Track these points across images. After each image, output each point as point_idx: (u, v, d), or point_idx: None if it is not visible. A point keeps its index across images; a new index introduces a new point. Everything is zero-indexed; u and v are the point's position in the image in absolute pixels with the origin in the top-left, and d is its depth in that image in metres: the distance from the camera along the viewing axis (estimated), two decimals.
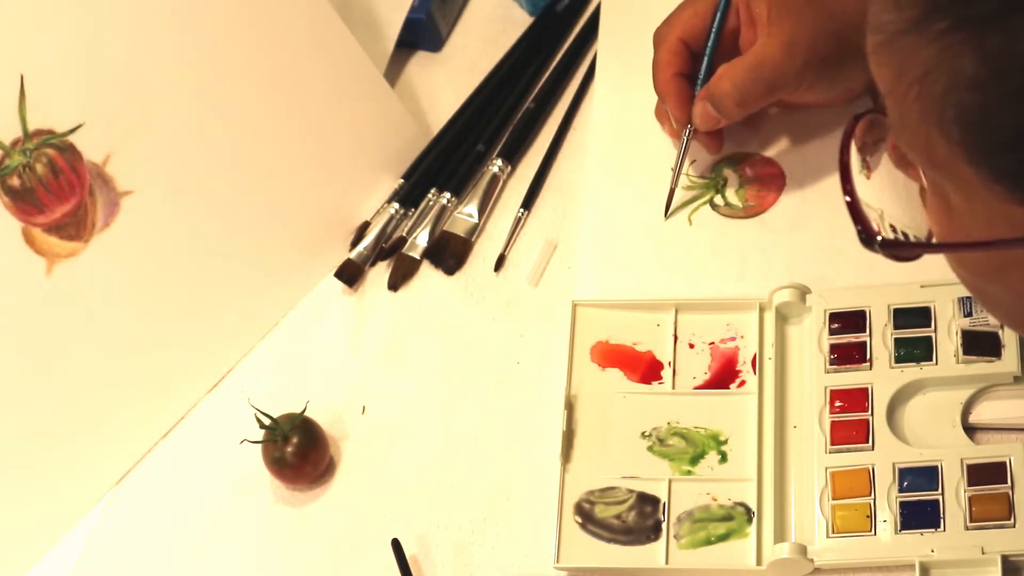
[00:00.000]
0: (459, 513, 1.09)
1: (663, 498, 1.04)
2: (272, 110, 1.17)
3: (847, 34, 1.05)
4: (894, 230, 0.83)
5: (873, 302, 1.07)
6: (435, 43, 1.31)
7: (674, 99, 1.13)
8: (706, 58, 1.13)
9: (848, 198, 0.83)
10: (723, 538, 1.03)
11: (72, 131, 1.10)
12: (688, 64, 1.14)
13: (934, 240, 0.83)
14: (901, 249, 0.83)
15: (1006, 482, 1.00)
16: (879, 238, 0.82)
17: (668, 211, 1.15)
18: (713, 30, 1.13)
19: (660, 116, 1.17)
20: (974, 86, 0.72)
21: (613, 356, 1.10)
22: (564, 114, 1.25)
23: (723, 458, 1.05)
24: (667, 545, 1.03)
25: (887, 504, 1.01)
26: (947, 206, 0.80)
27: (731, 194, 1.16)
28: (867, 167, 0.88)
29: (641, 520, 1.04)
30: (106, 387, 1.14)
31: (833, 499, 1.01)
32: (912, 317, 1.06)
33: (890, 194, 0.84)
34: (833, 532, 1.01)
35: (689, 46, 1.14)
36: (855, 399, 1.05)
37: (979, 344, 1.04)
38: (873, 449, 1.03)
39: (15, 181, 1.09)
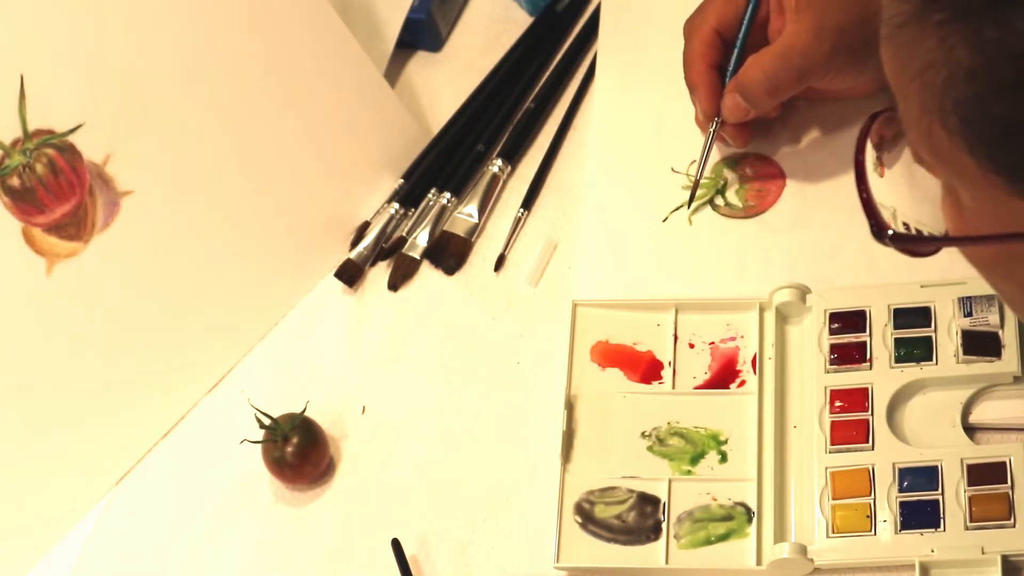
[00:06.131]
0: (459, 513, 1.09)
1: (663, 498, 1.04)
2: (272, 110, 1.17)
3: (874, 19, 1.05)
4: (907, 227, 0.84)
5: (873, 302, 1.07)
6: (435, 43, 1.31)
7: (706, 91, 1.12)
8: (737, 49, 1.12)
9: (863, 195, 0.83)
10: (723, 538, 1.03)
11: (72, 131, 1.10)
12: (721, 55, 1.12)
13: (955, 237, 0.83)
14: (910, 243, 0.83)
15: (1006, 482, 1.00)
16: (890, 232, 0.83)
17: (691, 203, 1.15)
18: (745, 19, 1.11)
19: (703, 125, 1.16)
20: (970, 77, 0.73)
21: (613, 356, 1.10)
22: (564, 114, 1.25)
23: (723, 458, 1.05)
24: (667, 545, 1.03)
25: (887, 504, 1.01)
26: (957, 202, 0.80)
27: (731, 194, 1.16)
28: (881, 163, 0.88)
29: (641, 520, 1.04)
30: (106, 387, 1.14)
31: (833, 499, 1.01)
32: (912, 317, 1.06)
33: (906, 193, 0.84)
34: (833, 532, 1.01)
35: (723, 37, 1.12)
36: (855, 399, 1.05)
37: (979, 344, 1.04)
38: (873, 449, 1.03)
39: (15, 181, 1.09)
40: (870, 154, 0.86)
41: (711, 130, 1.13)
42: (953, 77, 0.73)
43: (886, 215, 0.83)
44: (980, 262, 0.84)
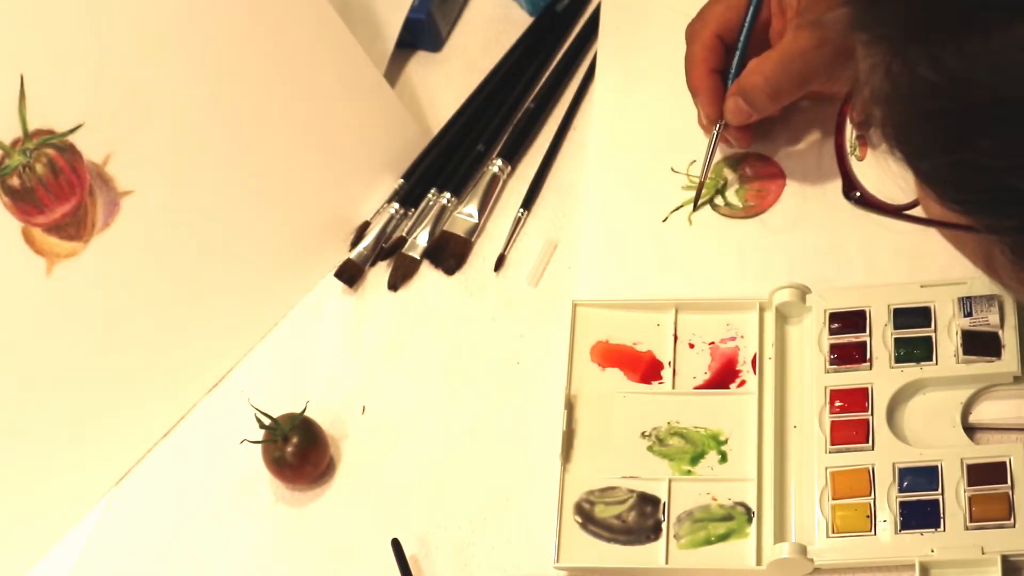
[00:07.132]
0: (459, 513, 1.09)
1: (663, 498, 1.04)
2: (272, 110, 1.17)
3: None
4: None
5: (873, 302, 1.07)
6: (435, 43, 1.31)
7: (707, 96, 1.12)
8: (738, 52, 1.11)
9: (839, 151, 0.85)
10: (723, 538, 1.03)
11: (72, 131, 1.10)
12: (723, 59, 1.12)
13: (908, 213, 0.85)
14: (871, 208, 0.85)
15: (1006, 482, 1.00)
16: (856, 193, 0.83)
17: (696, 206, 1.15)
18: (746, 24, 1.11)
19: (706, 127, 1.16)
20: (887, 101, 0.74)
21: (613, 356, 1.10)
22: (564, 114, 1.25)
23: (723, 458, 1.05)
24: (667, 545, 1.03)
25: (887, 504, 1.01)
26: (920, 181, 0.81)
27: (731, 194, 1.16)
28: (863, 144, 0.88)
29: (641, 520, 1.04)
30: (106, 387, 1.14)
31: (833, 499, 1.01)
32: (912, 317, 1.06)
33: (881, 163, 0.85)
34: (833, 532, 1.01)
35: (724, 41, 1.12)
36: (855, 399, 1.05)
37: (979, 344, 1.04)
38: (873, 449, 1.03)
39: (15, 181, 1.09)
40: (850, 134, 0.87)
41: (714, 132, 1.13)
42: (875, 96, 0.75)
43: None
44: (943, 235, 0.85)
